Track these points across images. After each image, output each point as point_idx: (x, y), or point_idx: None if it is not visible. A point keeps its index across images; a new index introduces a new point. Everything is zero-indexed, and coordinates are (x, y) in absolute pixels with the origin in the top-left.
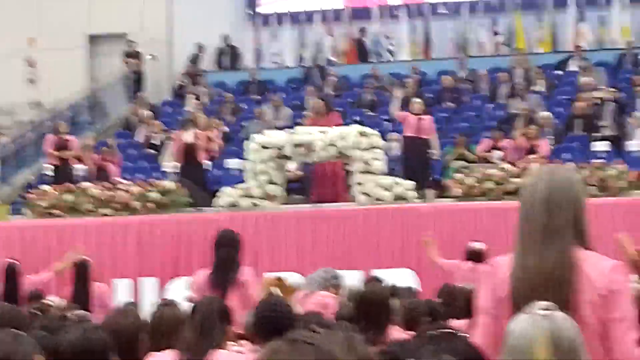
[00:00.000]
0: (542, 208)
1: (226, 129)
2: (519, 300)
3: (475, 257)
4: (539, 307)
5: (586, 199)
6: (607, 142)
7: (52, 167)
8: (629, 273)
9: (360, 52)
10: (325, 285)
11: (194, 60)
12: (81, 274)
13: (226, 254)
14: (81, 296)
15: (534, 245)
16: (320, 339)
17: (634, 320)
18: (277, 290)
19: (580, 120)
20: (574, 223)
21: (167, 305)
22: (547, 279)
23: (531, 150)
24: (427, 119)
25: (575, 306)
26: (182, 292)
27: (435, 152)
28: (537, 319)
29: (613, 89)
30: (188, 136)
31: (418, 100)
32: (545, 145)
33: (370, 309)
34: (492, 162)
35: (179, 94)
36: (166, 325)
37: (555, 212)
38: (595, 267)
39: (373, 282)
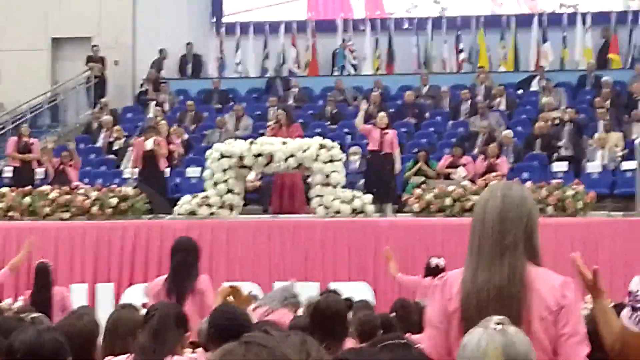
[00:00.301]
0: (494, 224)
1: (186, 136)
2: (468, 315)
3: (436, 272)
4: (493, 322)
5: (538, 216)
6: (566, 163)
7: (12, 169)
8: (581, 291)
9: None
10: (284, 303)
11: (156, 66)
12: (41, 277)
13: (182, 261)
14: (41, 299)
15: (485, 260)
16: (274, 341)
17: (584, 335)
18: (232, 299)
19: (539, 140)
20: (525, 239)
21: (124, 308)
22: (498, 294)
23: (490, 168)
24: (391, 134)
25: (525, 322)
26: (139, 298)
27: (397, 166)
28: (491, 333)
29: (571, 110)
30: (149, 143)
31: (383, 114)
32: (504, 164)
33: (326, 320)
34: (452, 179)
35: (141, 100)
36: (122, 329)
37: (506, 229)
38: (545, 282)
39: (330, 293)
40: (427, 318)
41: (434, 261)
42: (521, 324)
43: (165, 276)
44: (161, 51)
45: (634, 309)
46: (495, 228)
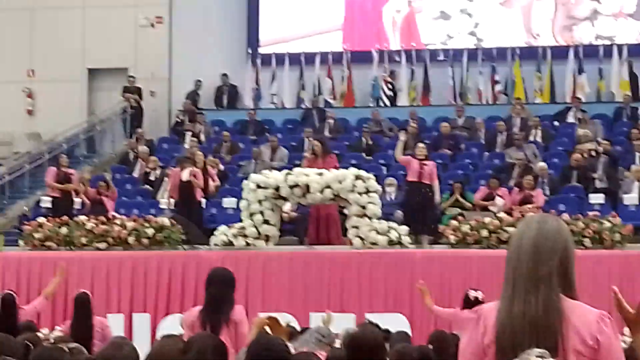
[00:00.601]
0: (529, 256)
1: (222, 167)
2: (504, 346)
3: (474, 305)
4: (534, 354)
5: (574, 249)
6: (603, 195)
7: (51, 199)
8: (619, 324)
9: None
10: (319, 343)
11: (191, 97)
12: (81, 307)
13: (218, 292)
14: (82, 330)
15: (520, 292)
16: None
17: None
18: (269, 330)
19: (576, 172)
20: (560, 272)
21: (168, 338)
22: (533, 326)
23: (526, 200)
24: (430, 165)
25: (561, 354)
26: (175, 329)
27: (437, 198)
28: None
29: (605, 142)
30: (184, 174)
31: (422, 145)
32: (539, 196)
33: (364, 352)
34: (489, 210)
35: (177, 130)
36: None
37: (541, 261)
38: (581, 316)
39: (367, 325)
40: (461, 351)
41: (472, 294)
42: (557, 356)
43: (201, 307)
44: (196, 82)
45: None
46: (530, 259)
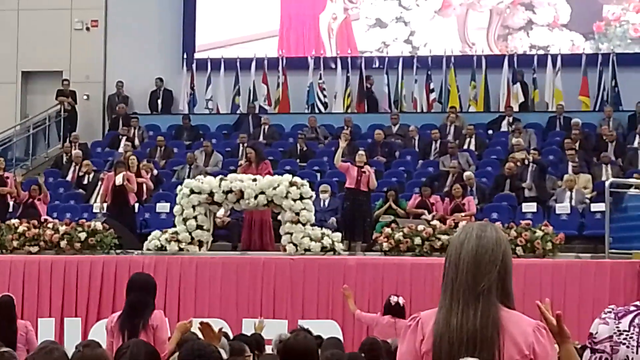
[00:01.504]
0: (469, 268)
1: (156, 172)
2: (440, 358)
3: (394, 311)
4: None
5: (511, 258)
6: (535, 204)
7: None
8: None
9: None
10: None
11: (119, 99)
12: (5, 311)
13: (137, 297)
14: (5, 333)
15: (458, 304)
16: None
17: None
18: (201, 335)
19: (509, 180)
20: (498, 283)
21: (87, 346)
22: (471, 339)
23: (457, 208)
24: (369, 172)
25: None
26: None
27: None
28: None
29: (534, 151)
30: (118, 178)
31: (362, 152)
32: (471, 203)
33: (296, 358)
34: (422, 218)
35: (111, 134)
36: None
37: (481, 274)
38: (518, 326)
39: (300, 332)
40: (399, 357)
41: (394, 299)
42: None
43: (120, 312)
44: (117, 83)
45: (592, 351)
46: (470, 272)
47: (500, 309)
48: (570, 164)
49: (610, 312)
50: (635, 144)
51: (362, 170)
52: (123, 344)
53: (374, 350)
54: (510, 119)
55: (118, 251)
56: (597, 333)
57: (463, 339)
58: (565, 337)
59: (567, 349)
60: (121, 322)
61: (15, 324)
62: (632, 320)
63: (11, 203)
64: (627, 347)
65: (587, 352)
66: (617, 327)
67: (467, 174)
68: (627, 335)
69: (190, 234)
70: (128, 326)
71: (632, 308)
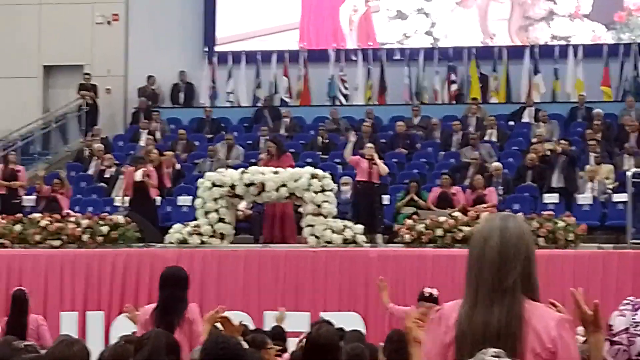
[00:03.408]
0: (493, 265)
1: (178, 166)
2: (462, 353)
3: (428, 302)
4: (489, 354)
5: (534, 250)
6: (557, 195)
7: None
8: (576, 326)
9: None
10: None
11: (145, 93)
12: (18, 305)
13: (171, 294)
14: (17, 327)
15: (483, 301)
16: None
17: None
18: (222, 328)
19: (531, 171)
20: (523, 276)
21: (64, 343)
22: (494, 335)
23: (479, 200)
24: (380, 164)
25: (519, 356)
26: (129, 327)
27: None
28: None
29: (564, 142)
30: (138, 174)
31: (370, 145)
32: (492, 194)
33: (320, 350)
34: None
35: (133, 128)
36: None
37: (506, 270)
38: (541, 319)
39: (322, 324)
40: (425, 351)
41: (427, 290)
42: (515, 358)
43: (154, 306)
44: (149, 78)
45: (611, 343)
46: (495, 269)
47: (524, 303)
48: (592, 154)
49: (628, 303)
50: None
51: (373, 162)
52: (143, 334)
53: (401, 342)
54: (532, 110)
55: (140, 245)
56: (614, 325)
57: (486, 336)
58: (599, 327)
59: (598, 338)
60: (156, 317)
61: (26, 318)
62: None
63: (26, 197)
64: None
65: (606, 344)
66: (634, 319)
67: (494, 164)
68: None
69: (212, 226)
70: (163, 323)
71: None
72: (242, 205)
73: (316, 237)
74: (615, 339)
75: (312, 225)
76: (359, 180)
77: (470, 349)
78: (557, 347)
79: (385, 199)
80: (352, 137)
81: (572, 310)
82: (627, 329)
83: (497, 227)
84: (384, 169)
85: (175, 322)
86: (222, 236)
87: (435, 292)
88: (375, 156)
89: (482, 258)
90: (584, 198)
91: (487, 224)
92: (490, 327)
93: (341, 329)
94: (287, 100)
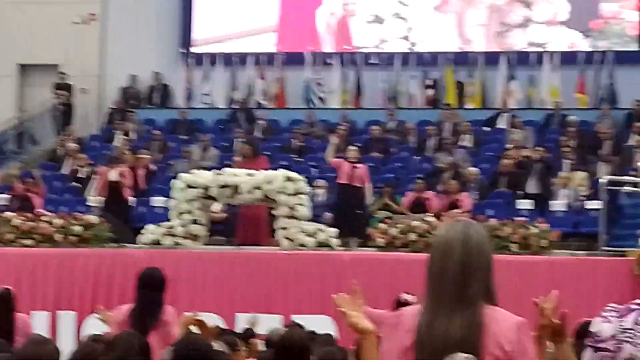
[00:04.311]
0: (455, 276)
1: (154, 167)
2: (422, 358)
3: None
4: (460, 358)
5: (492, 257)
6: (531, 201)
7: None
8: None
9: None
10: None
11: (130, 94)
12: (3, 304)
13: (148, 295)
14: (3, 326)
15: (444, 309)
16: None
17: None
18: (196, 330)
19: (505, 177)
20: (483, 285)
21: (94, 337)
22: (456, 345)
23: (452, 205)
24: (362, 168)
25: None
26: (100, 327)
27: (368, 200)
28: None
29: (540, 149)
30: (113, 174)
31: (354, 148)
32: (466, 199)
33: (290, 354)
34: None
35: (107, 128)
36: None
37: (468, 282)
38: (501, 323)
39: (294, 327)
40: (386, 355)
41: (404, 297)
42: None
43: (130, 307)
44: (131, 77)
45: (597, 350)
46: (456, 280)
47: (484, 310)
48: (566, 161)
49: (612, 310)
50: (632, 142)
51: (355, 165)
52: (115, 335)
53: None
54: (508, 116)
55: (113, 245)
56: (599, 331)
57: (447, 345)
58: (565, 336)
59: (565, 348)
60: (132, 320)
61: (13, 317)
62: (636, 318)
63: (5, 196)
64: (632, 344)
65: (589, 352)
66: (621, 325)
67: (471, 169)
68: (631, 333)
69: (185, 228)
70: (139, 324)
71: (633, 306)
72: (216, 207)
73: (289, 239)
74: (601, 345)
75: (285, 228)
76: (340, 184)
77: (430, 358)
78: (516, 351)
79: None
80: (334, 139)
81: (537, 320)
82: (614, 335)
83: (459, 237)
84: (369, 197)
85: (151, 323)
86: (195, 237)
87: (411, 298)
88: (363, 166)
89: (445, 268)
90: (558, 205)
91: (448, 234)
92: (451, 336)
93: (313, 332)
94: (263, 102)
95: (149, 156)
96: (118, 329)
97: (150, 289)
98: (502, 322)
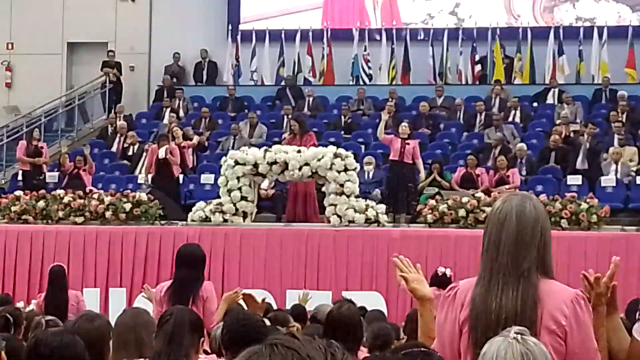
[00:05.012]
0: (510, 250)
1: (196, 140)
2: (477, 332)
3: (441, 282)
4: (513, 331)
5: (550, 231)
6: (580, 176)
7: (21, 172)
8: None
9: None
10: None
11: (172, 70)
12: (56, 280)
13: (185, 274)
14: (56, 303)
15: (498, 285)
16: (300, 344)
17: (595, 351)
18: (245, 306)
19: (554, 153)
20: (539, 258)
21: (85, 318)
22: (510, 319)
23: (502, 181)
24: (412, 143)
25: (534, 335)
26: (150, 304)
27: (421, 176)
28: (511, 342)
29: (589, 124)
30: (161, 152)
31: (405, 124)
32: (515, 175)
33: (340, 329)
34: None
35: (156, 106)
36: (126, 332)
37: (522, 255)
38: (556, 297)
39: (344, 303)
40: (439, 328)
41: (441, 270)
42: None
43: (169, 283)
44: (175, 55)
45: None
46: (511, 253)
47: (539, 284)
48: (616, 136)
49: None
50: None
51: (406, 141)
52: (167, 310)
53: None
54: (556, 91)
55: (162, 222)
56: None
57: (501, 319)
58: (615, 308)
59: (615, 318)
60: (170, 296)
61: (67, 293)
62: None
63: (53, 174)
64: None
65: (637, 324)
66: None
67: (518, 145)
68: None
69: (234, 205)
70: (177, 300)
71: None
72: (265, 183)
73: (339, 216)
74: None
75: (334, 205)
76: (391, 160)
77: (484, 329)
78: (572, 324)
79: None
80: (384, 116)
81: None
82: None
83: (514, 211)
84: (421, 172)
85: (189, 299)
86: (244, 214)
87: (448, 271)
88: (415, 142)
89: (498, 243)
90: (608, 180)
91: (503, 208)
92: (505, 310)
93: (363, 308)
94: (310, 79)
95: (194, 143)
96: (158, 305)
97: (188, 266)
98: (557, 295)
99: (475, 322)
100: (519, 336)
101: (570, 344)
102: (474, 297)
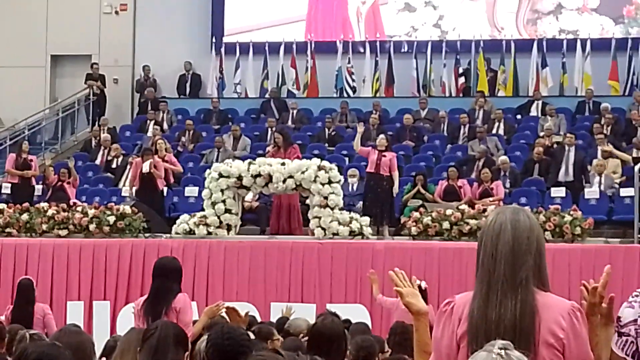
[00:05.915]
0: (507, 261)
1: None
2: (476, 345)
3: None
4: (497, 346)
5: (544, 242)
6: (564, 189)
7: (10, 185)
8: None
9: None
10: None
11: (144, 85)
12: (24, 293)
13: (160, 284)
14: (23, 316)
15: (497, 296)
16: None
17: None
18: (228, 319)
19: (537, 165)
20: (535, 270)
21: (64, 332)
22: (509, 330)
23: (486, 193)
24: (389, 156)
25: (533, 349)
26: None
27: (395, 188)
28: (495, 358)
29: (572, 136)
30: (145, 165)
31: (382, 136)
32: (499, 188)
33: (325, 342)
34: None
35: (140, 118)
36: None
37: (519, 265)
38: (553, 309)
39: (328, 316)
40: (435, 344)
41: (416, 283)
42: (530, 351)
43: (145, 297)
44: (144, 68)
45: (619, 335)
46: (508, 264)
47: (536, 296)
48: (599, 148)
49: (637, 295)
50: None
51: (382, 154)
52: (150, 325)
53: (405, 334)
54: (540, 103)
55: (146, 235)
56: (622, 317)
57: (500, 329)
58: (612, 320)
59: (610, 332)
60: (145, 308)
61: (33, 307)
62: None
63: (40, 187)
64: None
65: (615, 336)
66: None
67: (502, 158)
68: None
69: (218, 217)
70: (151, 311)
71: None
72: (249, 196)
73: (323, 228)
74: (623, 330)
75: (318, 217)
76: (368, 172)
77: (484, 341)
78: (570, 337)
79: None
80: (360, 128)
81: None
82: (635, 320)
83: (508, 221)
84: (396, 187)
85: (162, 312)
86: (228, 227)
87: (424, 284)
88: (392, 154)
89: (495, 254)
90: (591, 192)
91: (498, 219)
92: (503, 321)
93: (347, 321)
94: (294, 91)
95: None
96: (136, 319)
97: (162, 278)
98: (554, 308)
99: (474, 335)
100: (503, 351)
101: (568, 356)
102: (472, 310)
